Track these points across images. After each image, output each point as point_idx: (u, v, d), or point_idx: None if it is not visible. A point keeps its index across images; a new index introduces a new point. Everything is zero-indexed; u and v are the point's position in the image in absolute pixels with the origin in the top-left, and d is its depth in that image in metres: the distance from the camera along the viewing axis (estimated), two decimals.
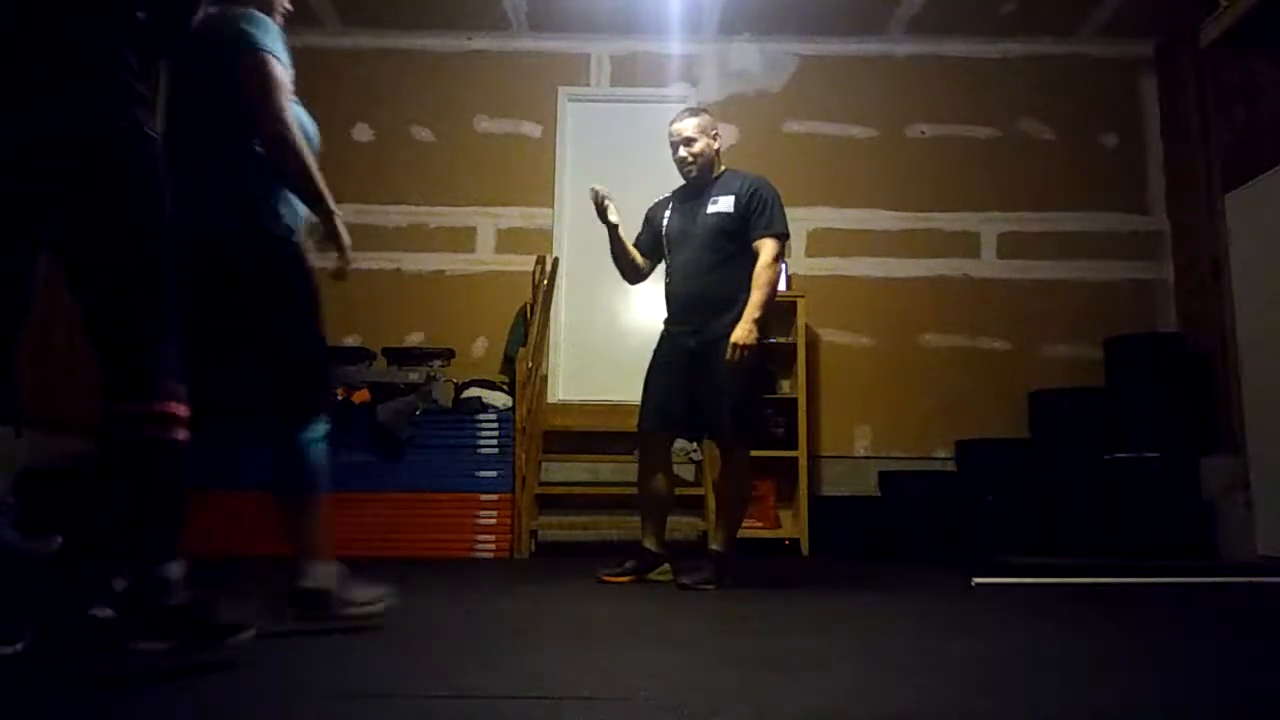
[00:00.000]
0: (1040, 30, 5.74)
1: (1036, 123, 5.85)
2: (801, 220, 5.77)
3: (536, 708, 1.44)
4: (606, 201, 3.29)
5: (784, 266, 3.63)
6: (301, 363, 2.17)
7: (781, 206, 3.34)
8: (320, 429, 2.15)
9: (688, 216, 3.38)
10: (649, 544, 3.35)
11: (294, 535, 2.10)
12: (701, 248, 3.30)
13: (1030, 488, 4.92)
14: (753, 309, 3.17)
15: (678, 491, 3.57)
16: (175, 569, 1.66)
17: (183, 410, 1.73)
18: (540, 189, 5.70)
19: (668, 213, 3.46)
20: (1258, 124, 4.86)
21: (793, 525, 5.14)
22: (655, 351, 3.41)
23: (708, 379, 3.21)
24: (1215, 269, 5.19)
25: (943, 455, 5.40)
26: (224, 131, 2.13)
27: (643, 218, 3.56)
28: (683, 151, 3.38)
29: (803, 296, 5.31)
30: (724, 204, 3.30)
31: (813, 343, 5.53)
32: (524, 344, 4.87)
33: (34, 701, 1.48)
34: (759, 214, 3.28)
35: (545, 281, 5.07)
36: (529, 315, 5.07)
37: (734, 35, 5.85)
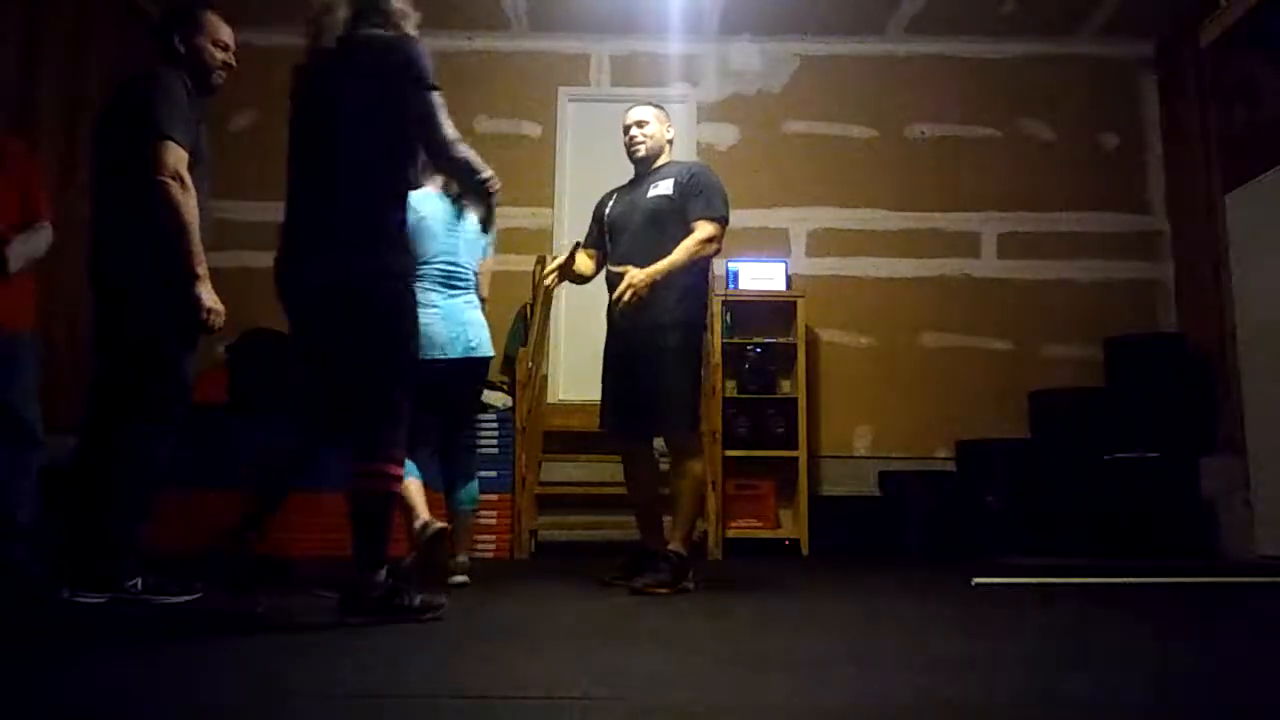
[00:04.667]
0: (1040, 30, 5.73)
1: (1036, 123, 5.85)
2: (801, 220, 5.78)
3: (536, 708, 1.44)
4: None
5: (712, 270, 3.36)
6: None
7: (723, 194, 3.24)
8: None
9: (629, 203, 3.31)
10: (651, 543, 3.26)
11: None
12: (640, 233, 3.21)
13: (1030, 488, 4.91)
14: (660, 265, 3.06)
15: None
16: (380, 573, 2.28)
17: (399, 471, 2.35)
18: (540, 189, 5.69)
19: (611, 202, 3.39)
20: (1258, 124, 4.86)
21: (793, 525, 5.14)
22: (605, 346, 3.33)
23: (645, 374, 3.13)
24: (1215, 269, 5.18)
25: (943, 455, 5.40)
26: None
27: (593, 214, 3.47)
28: (634, 131, 3.32)
29: (803, 296, 5.31)
30: (664, 187, 3.23)
31: (813, 343, 5.53)
32: (524, 344, 4.86)
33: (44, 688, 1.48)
34: (697, 196, 3.19)
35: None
36: (529, 315, 5.07)
37: (734, 35, 5.85)
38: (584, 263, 3.35)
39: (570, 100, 5.86)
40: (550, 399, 5.40)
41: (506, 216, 5.62)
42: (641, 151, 3.33)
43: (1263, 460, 4.68)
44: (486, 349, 3.35)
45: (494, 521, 4.63)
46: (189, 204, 2.66)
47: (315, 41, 2.38)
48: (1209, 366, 5.19)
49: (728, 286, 5.32)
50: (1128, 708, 1.51)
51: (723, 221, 3.21)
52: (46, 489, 3.06)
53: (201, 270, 2.70)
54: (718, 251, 3.25)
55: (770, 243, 5.67)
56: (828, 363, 5.61)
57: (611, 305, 3.20)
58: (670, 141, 3.41)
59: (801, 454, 5.07)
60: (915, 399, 5.55)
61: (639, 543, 3.35)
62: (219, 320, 2.76)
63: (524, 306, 5.27)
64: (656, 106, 3.43)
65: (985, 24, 5.68)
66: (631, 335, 3.20)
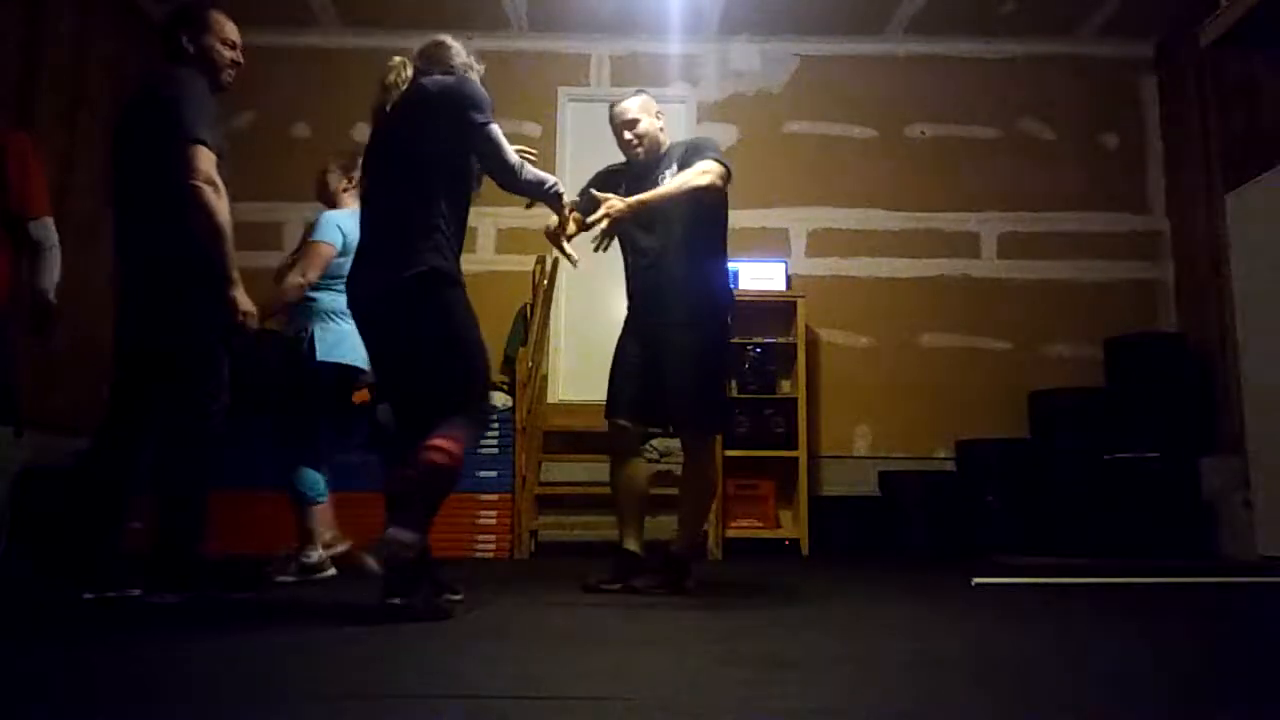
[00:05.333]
0: (1040, 30, 5.74)
1: (1036, 123, 5.86)
2: (801, 220, 5.78)
3: (536, 708, 1.44)
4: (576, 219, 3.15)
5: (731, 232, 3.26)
6: None
7: (719, 150, 3.16)
8: None
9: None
10: (630, 545, 3.14)
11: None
12: (657, 227, 3.12)
13: (1030, 488, 4.92)
14: (651, 193, 2.99)
15: (657, 491, 3.42)
16: (410, 535, 2.27)
17: (453, 448, 2.34)
18: None
19: (621, 192, 3.22)
20: (1258, 124, 4.86)
21: (793, 525, 5.15)
22: (620, 338, 3.25)
23: (670, 367, 3.05)
24: (1215, 269, 5.19)
25: (943, 455, 5.40)
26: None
27: (593, 176, 3.37)
28: (627, 134, 3.24)
29: (803, 296, 5.32)
30: (670, 176, 3.13)
31: (813, 343, 5.54)
32: (524, 344, 4.87)
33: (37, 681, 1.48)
34: (694, 154, 3.11)
35: (545, 281, 5.07)
36: (529, 315, 5.07)
37: (734, 35, 5.85)
38: (575, 230, 3.23)
39: (570, 100, 5.87)
40: (550, 399, 5.40)
41: (506, 217, 5.64)
42: (641, 155, 3.26)
43: (1263, 460, 4.68)
44: None
45: (494, 521, 4.63)
46: (223, 208, 2.65)
47: (385, 97, 2.57)
48: (1209, 366, 5.20)
49: None
50: (1128, 708, 1.51)
51: (722, 164, 3.08)
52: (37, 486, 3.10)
53: (235, 274, 2.71)
54: (720, 191, 3.10)
55: (770, 243, 5.67)
56: (828, 363, 5.61)
57: (635, 304, 3.20)
58: (663, 129, 3.30)
59: (801, 454, 5.07)
60: (915, 399, 5.55)
61: (625, 548, 3.16)
62: (254, 322, 2.77)
63: (524, 306, 5.27)
64: (638, 94, 3.31)
65: (985, 24, 5.69)
66: (649, 332, 3.13)
